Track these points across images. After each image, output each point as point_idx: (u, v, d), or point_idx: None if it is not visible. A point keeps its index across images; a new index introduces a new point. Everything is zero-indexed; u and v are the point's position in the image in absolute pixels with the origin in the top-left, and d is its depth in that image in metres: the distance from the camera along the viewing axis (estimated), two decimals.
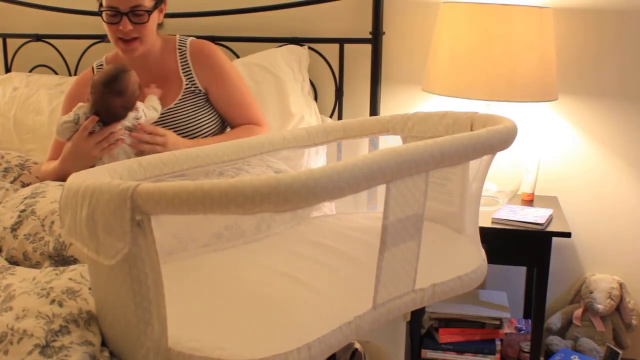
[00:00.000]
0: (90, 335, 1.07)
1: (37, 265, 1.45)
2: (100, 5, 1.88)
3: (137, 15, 1.85)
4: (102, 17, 1.86)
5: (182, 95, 1.98)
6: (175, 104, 1.97)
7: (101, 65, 2.06)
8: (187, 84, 1.99)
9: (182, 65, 2.00)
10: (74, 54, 2.63)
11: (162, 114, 1.90)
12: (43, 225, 1.49)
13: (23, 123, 2.36)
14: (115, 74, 1.77)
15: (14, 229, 1.51)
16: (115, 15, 1.84)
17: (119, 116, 1.77)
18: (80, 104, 1.81)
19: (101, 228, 0.98)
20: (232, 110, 2.03)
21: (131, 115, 1.80)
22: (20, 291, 1.15)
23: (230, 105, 2.02)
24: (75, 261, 1.41)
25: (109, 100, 1.76)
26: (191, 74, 1.99)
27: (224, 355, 0.99)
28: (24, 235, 1.49)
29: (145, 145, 1.79)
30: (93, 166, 1.82)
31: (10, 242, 1.50)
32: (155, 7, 1.89)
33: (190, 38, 2.06)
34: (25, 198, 1.60)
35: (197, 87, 1.99)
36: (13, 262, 1.47)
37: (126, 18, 1.84)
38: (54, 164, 1.88)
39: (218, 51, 2.05)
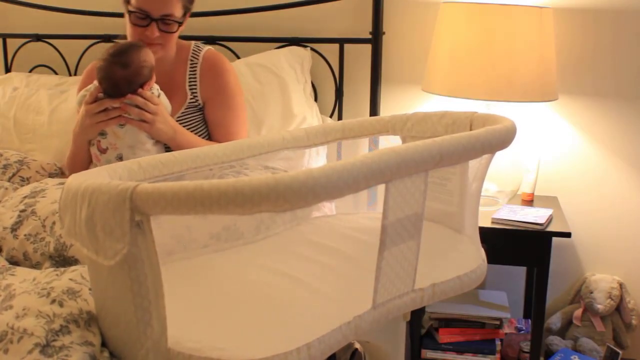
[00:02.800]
0: (90, 336, 1.07)
1: (37, 265, 1.45)
2: (128, 3, 1.83)
3: (166, 23, 1.83)
4: (129, 17, 1.83)
5: (185, 109, 1.95)
6: (177, 118, 1.94)
7: None
8: (191, 99, 1.96)
9: (189, 78, 1.96)
10: (74, 54, 2.63)
11: None
12: (44, 226, 1.49)
13: (23, 123, 2.36)
14: (125, 46, 1.74)
15: (14, 229, 1.51)
16: (145, 19, 1.81)
17: (121, 89, 1.73)
18: (95, 82, 1.79)
19: (100, 228, 0.98)
20: (216, 129, 1.97)
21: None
22: (20, 291, 1.15)
23: (215, 125, 1.97)
24: (76, 262, 1.41)
25: (111, 70, 1.72)
26: (196, 88, 1.96)
27: (224, 355, 0.99)
28: (25, 235, 1.49)
29: (134, 109, 1.73)
30: (92, 163, 1.83)
31: (10, 242, 1.50)
32: (183, 17, 1.88)
33: (206, 48, 2.01)
34: (24, 197, 1.60)
35: (198, 101, 1.97)
36: (13, 262, 1.47)
37: (155, 24, 1.81)
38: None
39: (229, 71, 2.00)
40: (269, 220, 1.51)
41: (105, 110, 1.74)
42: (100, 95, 1.75)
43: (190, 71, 1.96)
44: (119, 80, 1.73)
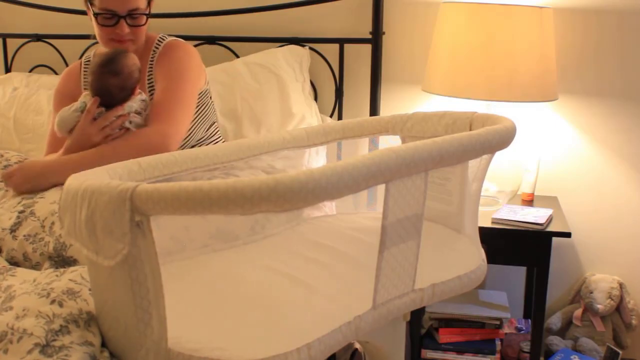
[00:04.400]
0: (90, 336, 1.07)
1: (37, 265, 1.45)
2: (90, 4, 1.81)
3: (134, 18, 1.81)
4: (95, 19, 1.80)
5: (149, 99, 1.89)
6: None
7: (89, 60, 1.99)
8: (149, 88, 1.90)
9: (149, 68, 1.91)
10: (74, 54, 2.63)
11: None
12: (43, 226, 1.49)
13: (23, 123, 2.36)
14: (112, 55, 1.74)
15: (13, 229, 1.51)
16: (112, 17, 1.79)
17: (117, 98, 1.73)
18: (85, 92, 1.78)
19: (100, 229, 0.98)
20: (152, 109, 1.80)
21: (137, 97, 1.76)
22: (20, 292, 1.15)
23: (153, 104, 1.81)
24: (75, 262, 1.41)
25: (105, 80, 1.72)
26: (152, 75, 1.91)
27: (224, 355, 0.99)
28: (24, 235, 1.49)
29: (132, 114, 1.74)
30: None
31: (9, 243, 1.50)
32: (148, 6, 1.85)
33: (171, 38, 1.96)
34: (22, 199, 1.60)
35: (154, 89, 1.89)
36: (13, 262, 1.48)
37: (124, 21, 1.79)
38: (54, 156, 1.80)
39: (184, 52, 1.91)
40: (263, 219, 1.51)
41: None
42: (100, 109, 1.73)
43: (151, 59, 1.91)
44: (113, 89, 1.73)
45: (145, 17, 1.84)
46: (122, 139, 1.72)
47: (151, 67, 1.90)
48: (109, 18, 1.79)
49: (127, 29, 1.80)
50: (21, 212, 1.54)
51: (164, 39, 1.94)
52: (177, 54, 1.89)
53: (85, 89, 1.90)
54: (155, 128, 1.74)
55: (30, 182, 1.66)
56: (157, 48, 1.92)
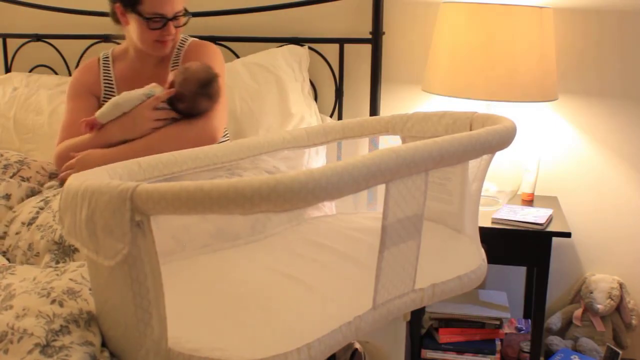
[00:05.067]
0: (90, 336, 1.07)
1: (36, 256, 1.47)
2: (135, 12, 1.86)
3: (177, 19, 1.91)
4: (146, 23, 1.86)
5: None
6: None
7: (107, 57, 2.06)
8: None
9: (172, 66, 1.99)
10: (74, 54, 2.63)
11: None
12: (55, 217, 1.55)
13: (23, 123, 2.36)
14: (211, 77, 1.83)
15: (30, 223, 1.58)
16: (160, 21, 1.87)
17: (196, 112, 1.83)
18: (155, 84, 1.86)
19: (101, 229, 0.98)
20: None
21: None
22: (20, 290, 1.15)
23: None
24: (75, 251, 1.44)
25: (199, 101, 1.82)
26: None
27: (224, 355, 0.99)
28: (37, 226, 1.55)
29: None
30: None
31: (24, 235, 1.56)
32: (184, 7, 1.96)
33: (193, 38, 2.06)
34: (46, 195, 1.69)
35: None
36: (12, 255, 1.52)
37: (170, 23, 1.88)
38: (85, 136, 1.85)
39: (214, 51, 2.02)
40: (264, 218, 1.52)
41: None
42: (163, 104, 1.82)
43: (175, 59, 1.99)
44: (202, 109, 1.83)
45: (185, 18, 1.93)
46: (175, 131, 1.82)
47: (175, 65, 1.98)
48: (158, 21, 1.87)
49: (174, 31, 1.90)
50: (41, 208, 1.61)
51: (186, 39, 2.04)
52: (209, 52, 2.00)
53: (105, 83, 2.00)
54: (206, 122, 1.84)
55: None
56: (181, 47, 2.02)
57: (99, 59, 2.07)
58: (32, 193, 1.82)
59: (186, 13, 1.94)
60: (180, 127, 1.82)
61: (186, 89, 1.81)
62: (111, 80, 2.02)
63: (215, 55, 2.01)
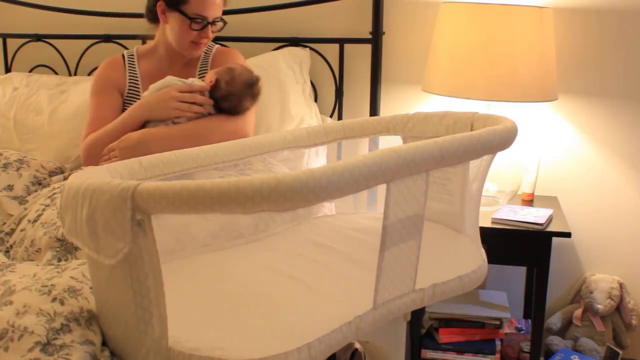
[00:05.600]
0: (91, 335, 1.07)
1: (38, 252, 1.49)
2: (179, 12, 1.91)
3: (215, 24, 1.98)
4: (188, 23, 1.91)
5: None
6: None
7: (132, 55, 2.10)
8: None
9: (200, 68, 2.05)
10: (74, 54, 2.63)
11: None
12: (59, 214, 1.54)
13: (23, 123, 2.36)
14: (256, 78, 1.91)
15: (35, 220, 1.59)
16: (201, 22, 1.93)
17: (238, 111, 1.89)
18: (195, 78, 1.94)
19: (101, 228, 0.98)
20: None
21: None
22: (20, 286, 1.15)
23: None
24: (77, 249, 1.45)
25: (244, 99, 1.88)
26: (203, 77, 2.01)
27: (224, 355, 0.99)
28: (41, 223, 1.56)
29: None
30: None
31: (29, 232, 1.57)
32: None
33: (217, 45, 2.14)
34: (54, 193, 1.70)
35: None
36: (13, 252, 1.53)
37: (209, 27, 1.95)
38: (108, 126, 1.90)
39: (240, 56, 2.10)
40: (267, 217, 1.52)
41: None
42: (196, 95, 1.86)
43: (202, 64, 2.06)
44: (245, 107, 1.89)
45: (221, 24, 2.00)
46: (215, 123, 1.87)
47: (203, 69, 2.05)
48: (199, 22, 1.93)
49: (211, 35, 1.98)
50: (47, 205, 1.63)
51: (212, 45, 2.12)
52: (236, 58, 2.08)
53: (131, 80, 2.06)
54: (244, 119, 1.92)
55: (133, 152, 1.75)
56: (207, 52, 2.09)
57: (123, 56, 2.11)
58: (37, 180, 1.84)
59: (222, 20, 2.00)
60: (222, 120, 1.87)
61: (234, 87, 1.87)
62: (136, 77, 2.06)
63: (242, 61, 2.08)
